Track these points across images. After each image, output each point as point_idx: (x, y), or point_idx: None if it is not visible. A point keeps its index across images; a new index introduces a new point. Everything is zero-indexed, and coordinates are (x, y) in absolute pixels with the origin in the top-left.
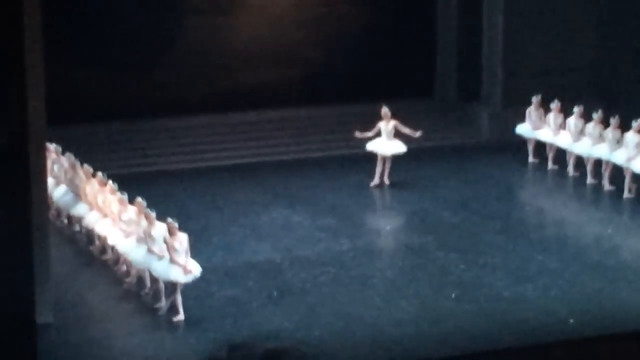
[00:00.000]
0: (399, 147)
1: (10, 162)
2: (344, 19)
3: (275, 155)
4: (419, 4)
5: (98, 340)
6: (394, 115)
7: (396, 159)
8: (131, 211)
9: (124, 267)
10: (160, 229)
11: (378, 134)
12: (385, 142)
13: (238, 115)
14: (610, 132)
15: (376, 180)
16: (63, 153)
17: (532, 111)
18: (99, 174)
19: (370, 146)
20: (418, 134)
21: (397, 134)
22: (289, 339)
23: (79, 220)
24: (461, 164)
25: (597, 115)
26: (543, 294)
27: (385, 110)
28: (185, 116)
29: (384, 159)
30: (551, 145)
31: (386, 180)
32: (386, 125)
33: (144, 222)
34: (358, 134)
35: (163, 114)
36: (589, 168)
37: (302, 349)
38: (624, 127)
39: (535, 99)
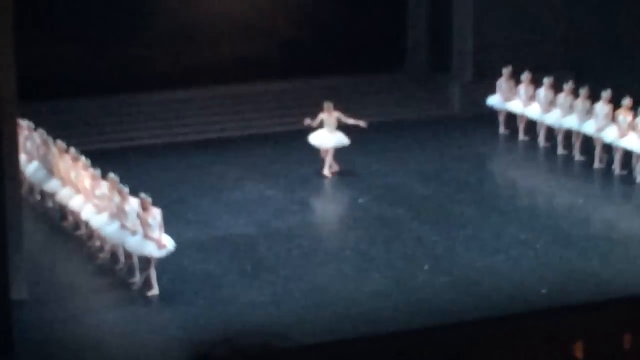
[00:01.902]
0: (341, 140)
1: None
2: None
3: (247, 129)
4: None
5: (73, 316)
6: (362, 91)
7: (368, 132)
8: (104, 187)
9: (98, 243)
10: (133, 204)
11: (321, 125)
12: (327, 134)
13: (210, 89)
14: (581, 103)
15: (325, 171)
16: (35, 129)
17: (502, 83)
18: (72, 149)
19: (312, 139)
20: (363, 123)
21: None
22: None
23: (52, 196)
24: (432, 136)
25: (567, 86)
26: (515, 265)
27: (327, 104)
28: (157, 91)
29: (327, 151)
30: (522, 116)
31: (327, 172)
32: (328, 117)
33: (117, 198)
34: (307, 121)
35: (134, 90)
36: (559, 139)
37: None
38: (594, 97)
39: (506, 71)
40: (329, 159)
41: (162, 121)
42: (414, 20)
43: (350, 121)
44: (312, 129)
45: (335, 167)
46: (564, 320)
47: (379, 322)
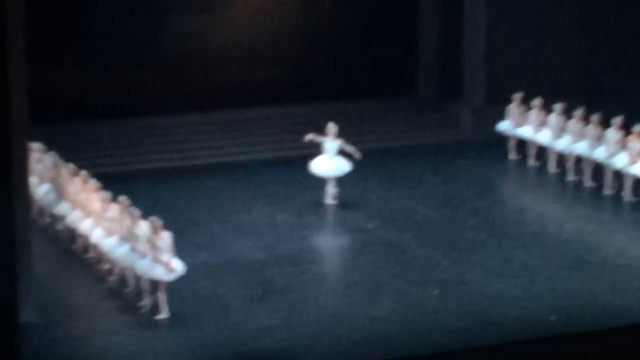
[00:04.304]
0: (342, 168)
1: None
2: (326, 17)
3: (258, 153)
4: (401, 1)
5: (81, 339)
6: (374, 114)
7: (378, 157)
8: (114, 209)
9: (107, 265)
10: (143, 227)
11: (321, 150)
12: (327, 162)
13: (221, 113)
14: (591, 129)
15: (327, 200)
16: (46, 152)
17: (513, 108)
18: (82, 172)
19: (313, 167)
20: (358, 155)
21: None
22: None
23: (62, 218)
24: (443, 161)
25: (578, 113)
26: (524, 291)
27: (331, 127)
28: (168, 115)
29: (327, 179)
30: (532, 142)
31: (330, 200)
32: (331, 142)
33: (127, 221)
34: (310, 137)
35: (145, 113)
36: (569, 165)
37: None
38: (605, 124)
39: (517, 96)
40: (329, 188)
41: (172, 145)
42: (425, 45)
43: (349, 149)
44: (313, 153)
45: (335, 196)
46: (574, 348)
47: (387, 347)
